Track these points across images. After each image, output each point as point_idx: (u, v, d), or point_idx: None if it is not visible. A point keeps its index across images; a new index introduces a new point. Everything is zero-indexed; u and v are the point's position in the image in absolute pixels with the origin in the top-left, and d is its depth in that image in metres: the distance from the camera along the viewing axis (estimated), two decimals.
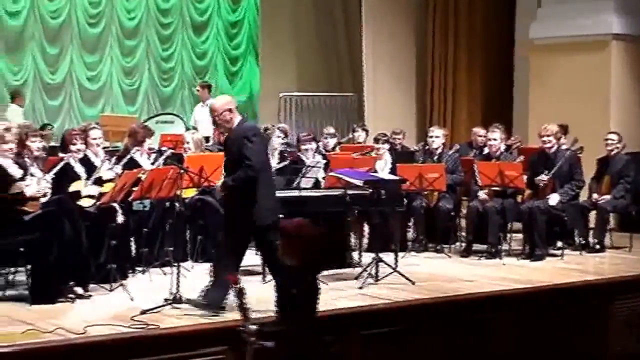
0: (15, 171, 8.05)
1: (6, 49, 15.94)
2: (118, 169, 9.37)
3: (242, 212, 7.69)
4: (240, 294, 5.61)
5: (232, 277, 6.41)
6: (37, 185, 8.19)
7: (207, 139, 12.34)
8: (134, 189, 8.96)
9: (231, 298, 7.37)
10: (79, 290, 8.20)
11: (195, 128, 14.21)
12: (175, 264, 8.23)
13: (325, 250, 6.16)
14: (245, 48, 18.63)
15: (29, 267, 8.14)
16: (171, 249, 9.84)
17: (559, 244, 11.09)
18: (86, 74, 16.68)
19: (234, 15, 18.48)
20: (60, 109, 16.38)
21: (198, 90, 15.08)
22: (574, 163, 10.98)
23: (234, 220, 7.84)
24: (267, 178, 7.83)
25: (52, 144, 11.52)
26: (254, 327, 5.67)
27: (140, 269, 9.46)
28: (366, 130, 14.03)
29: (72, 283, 8.19)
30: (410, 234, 11.45)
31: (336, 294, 8.59)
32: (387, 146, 11.36)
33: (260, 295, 8.53)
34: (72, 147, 8.98)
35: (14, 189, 7.86)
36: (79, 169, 8.92)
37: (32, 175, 8.28)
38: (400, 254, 9.94)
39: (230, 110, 7.67)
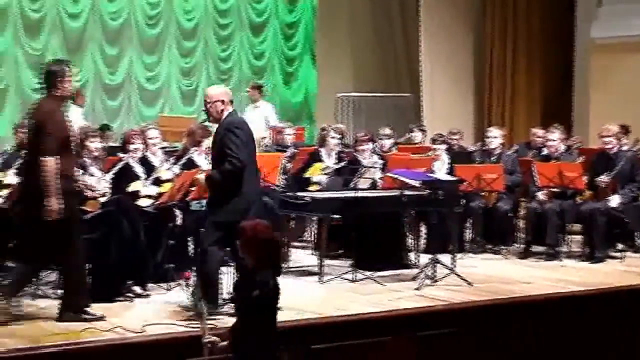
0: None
1: (67, 50, 16.08)
2: (176, 169, 9.41)
3: (223, 206, 7.53)
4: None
5: (186, 274, 6.45)
6: (96, 185, 8.27)
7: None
8: (192, 189, 8.99)
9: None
10: (138, 289, 8.26)
11: None
12: (232, 264, 8.26)
13: (278, 253, 6.10)
14: (301, 49, 18.62)
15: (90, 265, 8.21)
16: (229, 248, 9.89)
17: (620, 246, 10.95)
18: (145, 74, 16.77)
19: (291, 16, 18.48)
20: (119, 110, 16.50)
21: (248, 91, 15.08)
22: (635, 164, 10.83)
23: (215, 215, 7.63)
24: (249, 173, 7.54)
25: (112, 144, 11.59)
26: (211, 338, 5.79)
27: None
28: (423, 131, 13.99)
29: (130, 282, 8.27)
30: (468, 235, 11.35)
31: (393, 294, 8.58)
32: (444, 147, 11.29)
33: (316, 295, 8.57)
34: (131, 147, 9.04)
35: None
36: (138, 169, 8.98)
37: (91, 175, 8.36)
38: (458, 255, 9.87)
39: (223, 101, 7.58)
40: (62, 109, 7.67)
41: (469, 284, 8.98)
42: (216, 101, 7.58)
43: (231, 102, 7.70)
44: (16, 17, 15.57)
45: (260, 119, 14.24)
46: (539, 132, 12.36)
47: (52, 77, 7.47)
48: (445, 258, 9.36)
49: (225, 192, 7.48)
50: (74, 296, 7.44)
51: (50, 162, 7.08)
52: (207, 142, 10.43)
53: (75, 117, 13.62)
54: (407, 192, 9.50)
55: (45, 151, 7.11)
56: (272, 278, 5.80)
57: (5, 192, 8.70)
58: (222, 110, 7.59)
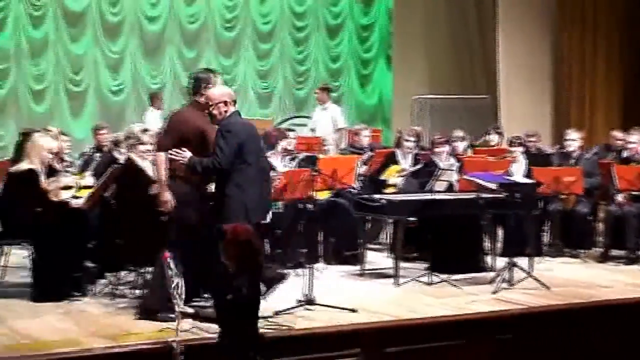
0: (152, 173, 8.23)
1: (145, 53, 16.30)
2: None
3: (212, 207, 7.46)
4: None
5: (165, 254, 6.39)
6: None
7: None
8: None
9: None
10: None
11: (313, 130, 14.28)
12: (308, 265, 8.27)
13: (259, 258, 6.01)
14: (376, 51, 18.61)
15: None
16: (304, 250, 9.91)
17: None
18: (222, 77, 16.85)
19: (366, 19, 18.49)
20: None
21: (317, 93, 15.12)
22: None
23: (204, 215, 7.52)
24: (243, 179, 7.40)
25: None
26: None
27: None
28: (500, 133, 13.86)
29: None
30: (546, 238, 11.22)
31: (469, 298, 8.51)
32: (521, 149, 11.17)
33: (391, 297, 8.54)
34: None
35: (153, 190, 8.01)
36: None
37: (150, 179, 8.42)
38: (535, 259, 9.74)
39: (226, 102, 7.47)
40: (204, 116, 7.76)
41: (547, 287, 8.87)
42: (219, 103, 7.46)
43: (234, 102, 7.60)
44: (96, 21, 15.83)
45: (328, 120, 14.32)
46: (619, 134, 12.17)
47: (197, 84, 7.79)
48: (522, 261, 9.23)
49: (215, 193, 7.44)
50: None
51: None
52: (283, 144, 10.50)
53: (154, 120, 13.79)
54: (483, 195, 9.43)
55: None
56: (251, 283, 5.78)
57: (85, 193, 8.80)
58: (225, 112, 7.46)
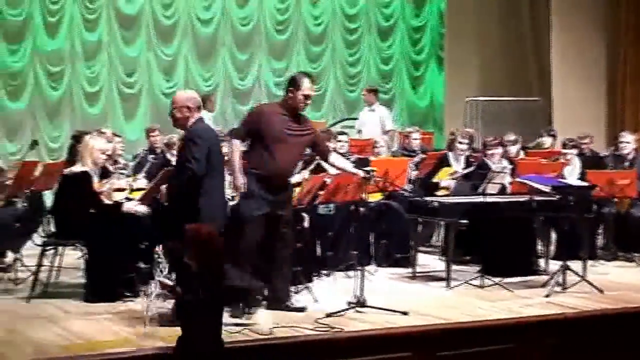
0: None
1: (198, 55, 16.39)
2: (306, 173, 9.48)
3: (183, 217, 7.19)
4: None
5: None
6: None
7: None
8: (320, 192, 9.04)
9: None
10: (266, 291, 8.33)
11: (359, 131, 14.28)
12: (360, 268, 8.26)
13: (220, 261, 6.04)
14: (428, 53, 18.57)
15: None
16: (355, 252, 9.90)
17: None
18: (273, 79, 16.97)
19: (418, 20, 18.45)
20: None
21: (364, 95, 15.13)
22: None
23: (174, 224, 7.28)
24: (210, 185, 7.34)
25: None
26: None
27: (325, 271, 9.51)
28: (553, 136, 13.75)
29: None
30: (600, 242, 11.11)
31: (522, 301, 8.44)
32: (575, 151, 11.07)
33: (443, 300, 8.50)
34: None
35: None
36: None
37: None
38: (589, 262, 9.64)
39: (189, 107, 7.37)
40: (285, 115, 7.89)
41: (600, 291, 8.77)
42: (182, 107, 7.36)
43: (198, 108, 7.49)
44: (149, 24, 15.95)
45: (376, 121, 14.36)
46: None
47: (288, 84, 7.96)
48: (575, 265, 9.14)
49: (185, 202, 7.30)
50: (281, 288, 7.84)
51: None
52: (332, 146, 10.50)
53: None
54: (536, 198, 9.39)
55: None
56: (212, 285, 5.81)
57: (138, 194, 8.86)
58: (188, 117, 7.38)
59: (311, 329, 7.20)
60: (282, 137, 7.79)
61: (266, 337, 6.97)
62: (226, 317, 7.23)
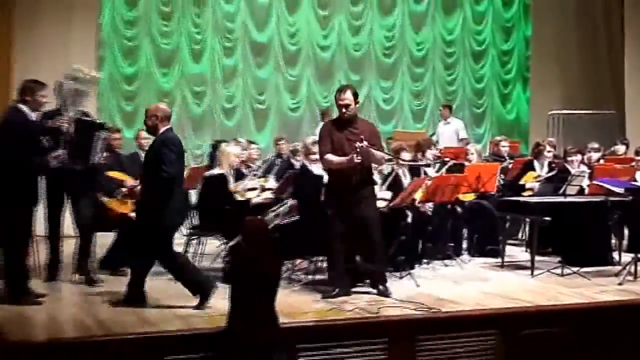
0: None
1: (318, 77, 16.43)
2: (408, 177, 9.45)
3: (152, 216, 7.19)
4: None
5: None
6: None
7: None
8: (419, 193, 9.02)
9: None
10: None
11: (437, 142, 14.18)
12: (455, 258, 8.21)
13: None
14: (515, 73, 18.26)
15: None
16: (451, 244, 9.85)
17: None
18: (382, 96, 16.93)
19: (506, 45, 18.15)
20: None
21: (440, 110, 15.21)
22: None
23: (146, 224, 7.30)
24: (175, 185, 7.21)
25: None
26: None
27: (425, 261, 9.46)
28: (626, 144, 13.45)
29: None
30: None
31: (598, 288, 8.30)
32: None
33: (527, 287, 8.38)
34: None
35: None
36: (375, 177, 9.02)
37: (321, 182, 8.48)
38: None
39: (156, 116, 7.23)
40: (334, 126, 7.91)
41: None
42: (151, 116, 7.27)
43: (167, 118, 7.33)
44: (277, 50, 16.08)
45: (451, 132, 14.38)
46: None
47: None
48: None
49: (159, 200, 7.15)
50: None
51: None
52: (431, 152, 10.45)
53: None
54: (611, 198, 9.22)
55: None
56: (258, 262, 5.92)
57: (267, 193, 8.95)
58: (156, 125, 7.27)
59: (413, 309, 7.19)
60: (337, 147, 7.76)
61: (375, 315, 6.98)
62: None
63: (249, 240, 6.04)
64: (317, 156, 8.32)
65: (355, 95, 7.86)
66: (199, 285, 7.26)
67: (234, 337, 5.83)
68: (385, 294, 7.72)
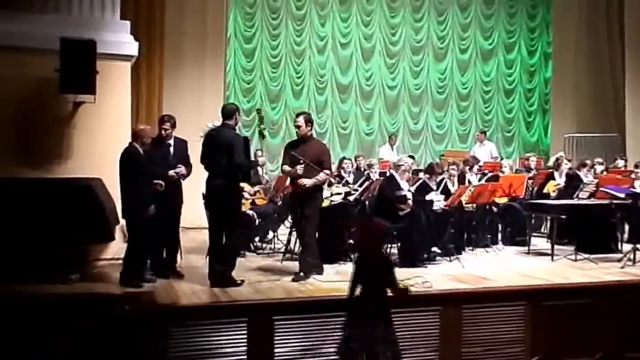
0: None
1: (387, 108, 16.42)
2: (456, 185, 9.36)
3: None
4: None
5: None
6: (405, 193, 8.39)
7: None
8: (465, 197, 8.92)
9: None
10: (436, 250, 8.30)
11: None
12: (492, 246, 8.09)
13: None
14: (536, 106, 17.88)
15: (399, 243, 8.32)
16: (489, 236, 9.70)
17: None
18: (436, 124, 16.79)
19: (530, 84, 17.79)
20: (419, 146, 16.61)
21: (477, 135, 15.06)
22: None
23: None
24: None
25: (415, 168, 11.63)
26: None
27: (469, 248, 9.34)
28: (625, 160, 13.11)
29: (425, 256, 8.28)
30: None
31: (604, 271, 8.06)
32: None
33: (548, 269, 8.19)
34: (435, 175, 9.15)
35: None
36: (433, 185, 8.98)
37: (401, 188, 8.46)
38: None
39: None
40: (290, 144, 7.64)
41: None
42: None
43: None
44: (356, 88, 16.20)
45: (486, 153, 14.15)
46: None
47: None
48: None
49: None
50: None
51: None
52: (476, 167, 10.32)
53: (389, 153, 13.89)
54: (615, 201, 8.96)
55: None
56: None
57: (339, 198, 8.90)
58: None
59: (460, 284, 7.11)
60: (293, 160, 7.34)
61: (427, 289, 6.92)
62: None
63: (365, 239, 5.67)
64: (404, 169, 8.37)
65: (307, 120, 7.35)
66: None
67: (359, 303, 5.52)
68: (298, 279, 7.17)
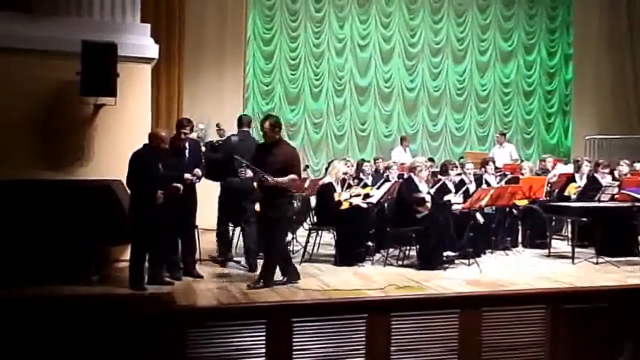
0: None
1: (406, 110, 16.38)
2: (473, 186, 9.28)
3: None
4: None
5: None
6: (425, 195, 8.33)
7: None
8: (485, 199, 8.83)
9: None
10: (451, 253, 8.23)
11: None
12: (512, 249, 8.00)
13: None
14: (556, 108, 17.76)
15: (417, 246, 8.27)
16: (509, 238, 9.61)
17: None
18: (455, 125, 16.72)
19: (550, 86, 17.68)
20: (438, 148, 16.55)
21: (497, 137, 14.87)
22: None
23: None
24: None
25: (434, 169, 11.57)
26: None
27: (489, 250, 9.26)
28: None
29: (444, 258, 8.22)
30: None
31: (626, 274, 7.94)
32: None
33: (568, 272, 8.09)
34: (451, 173, 9.05)
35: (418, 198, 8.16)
36: (451, 186, 8.93)
37: (420, 191, 8.41)
38: None
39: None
40: (259, 148, 7.32)
41: None
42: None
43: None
44: (375, 90, 16.22)
45: (506, 154, 13.98)
46: None
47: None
48: None
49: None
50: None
51: None
52: (490, 167, 10.23)
53: (402, 155, 13.82)
54: (637, 204, 8.83)
55: None
56: None
57: (358, 199, 8.85)
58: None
59: (478, 287, 7.05)
60: (261, 164, 7.01)
61: (447, 290, 6.86)
62: None
63: None
64: (424, 173, 8.34)
65: (274, 124, 7.01)
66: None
67: None
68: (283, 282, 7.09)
